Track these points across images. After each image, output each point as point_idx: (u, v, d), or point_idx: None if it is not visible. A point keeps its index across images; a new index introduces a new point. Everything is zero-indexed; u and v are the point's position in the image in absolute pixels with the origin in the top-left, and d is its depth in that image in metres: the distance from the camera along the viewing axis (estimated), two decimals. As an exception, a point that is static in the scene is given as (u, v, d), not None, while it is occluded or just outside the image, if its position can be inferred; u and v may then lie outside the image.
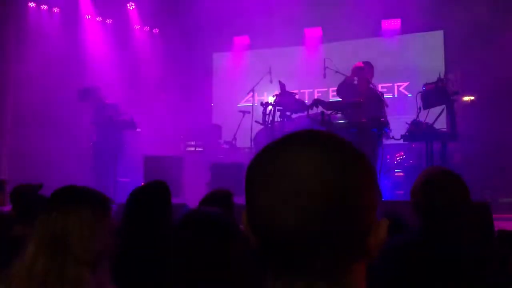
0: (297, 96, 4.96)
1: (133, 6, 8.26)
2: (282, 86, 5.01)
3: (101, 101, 6.19)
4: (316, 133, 0.63)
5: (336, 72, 5.19)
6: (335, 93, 5.66)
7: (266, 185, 0.59)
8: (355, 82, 4.84)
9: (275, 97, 4.93)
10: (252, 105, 6.58)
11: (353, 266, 0.60)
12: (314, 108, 4.63)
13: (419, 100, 4.61)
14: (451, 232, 1.59)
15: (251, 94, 6.82)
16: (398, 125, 4.78)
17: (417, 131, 4.54)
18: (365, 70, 4.87)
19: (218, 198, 2.20)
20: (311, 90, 8.04)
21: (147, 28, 8.57)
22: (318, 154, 0.59)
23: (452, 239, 1.59)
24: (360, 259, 0.61)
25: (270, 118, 4.91)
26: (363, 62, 5.02)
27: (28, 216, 2.26)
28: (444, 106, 4.61)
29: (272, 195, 0.58)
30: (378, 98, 4.55)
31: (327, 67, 5.21)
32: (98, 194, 1.46)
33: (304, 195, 0.57)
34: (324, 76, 5.27)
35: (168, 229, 2.05)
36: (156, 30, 8.69)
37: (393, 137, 4.59)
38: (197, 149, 7.16)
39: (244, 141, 6.67)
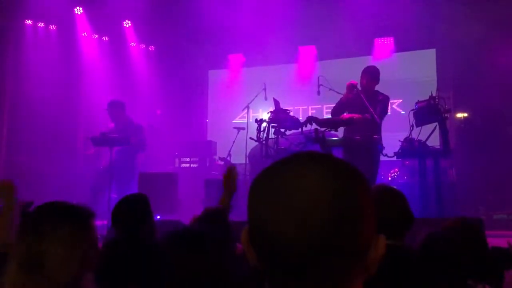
0: (291, 113, 4.99)
1: (129, 24, 8.33)
2: (276, 103, 5.05)
3: (127, 119, 6.17)
4: (317, 154, 0.66)
5: (330, 89, 5.24)
6: (329, 110, 5.69)
7: (270, 203, 0.61)
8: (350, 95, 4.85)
9: (269, 114, 4.96)
10: (247, 122, 6.61)
11: (352, 282, 0.62)
12: (308, 125, 4.65)
13: (411, 118, 4.65)
14: (401, 246, 1.63)
15: (246, 110, 6.86)
16: (391, 142, 4.81)
17: (410, 149, 4.56)
18: (363, 77, 4.87)
19: (212, 216, 2.19)
20: (305, 107, 8.10)
21: (143, 46, 8.64)
22: (320, 173, 0.61)
23: (402, 253, 1.62)
24: (359, 275, 0.62)
25: (265, 134, 4.93)
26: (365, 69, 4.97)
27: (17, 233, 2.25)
28: (436, 123, 4.65)
29: (276, 213, 0.60)
30: (371, 115, 4.58)
31: (321, 85, 5.26)
32: (79, 208, 1.40)
33: (307, 212, 0.59)
34: (318, 93, 5.31)
35: (149, 240, 2.13)
36: (152, 48, 8.76)
37: (386, 155, 4.61)
38: (191, 165, 7.16)
39: (239, 157, 6.69)
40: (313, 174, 0.61)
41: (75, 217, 1.37)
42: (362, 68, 5.03)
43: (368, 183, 0.65)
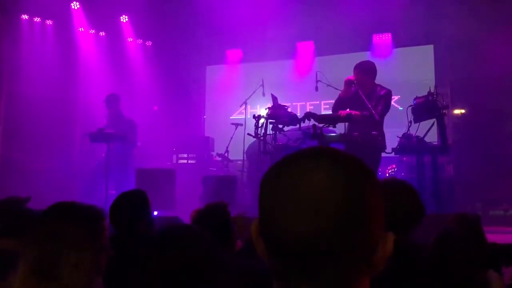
0: (289, 109, 4.97)
1: (126, 19, 8.29)
2: (274, 99, 5.03)
3: (120, 113, 6.22)
4: (328, 149, 0.66)
5: (328, 85, 5.22)
6: (327, 106, 5.68)
7: (281, 198, 0.62)
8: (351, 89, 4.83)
9: (267, 110, 4.95)
10: (245, 118, 6.60)
11: (359, 279, 0.62)
12: (306, 121, 4.64)
13: (409, 114, 4.64)
14: (411, 243, 1.62)
15: (243, 106, 6.85)
16: (389, 138, 4.81)
17: (408, 145, 4.56)
18: (355, 74, 4.81)
19: (214, 213, 2.15)
20: (303, 103, 8.09)
21: (140, 41, 8.60)
22: (331, 169, 0.62)
23: (412, 250, 1.61)
24: (366, 273, 0.63)
25: (263, 130, 4.92)
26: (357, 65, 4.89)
27: (15, 230, 2.23)
28: (434, 119, 4.65)
29: (287, 208, 0.60)
30: (369, 111, 4.57)
31: (319, 81, 5.24)
32: (90, 210, 1.35)
33: (318, 208, 0.59)
34: (316, 89, 5.29)
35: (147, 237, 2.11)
36: (149, 43, 8.72)
37: (384, 151, 4.61)
38: (189, 162, 7.14)
39: (237, 154, 6.67)
40: (324, 170, 0.61)
41: (87, 219, 1.32)
42: (361, 64, 4.99)
43: (376, 178, 0.65)
